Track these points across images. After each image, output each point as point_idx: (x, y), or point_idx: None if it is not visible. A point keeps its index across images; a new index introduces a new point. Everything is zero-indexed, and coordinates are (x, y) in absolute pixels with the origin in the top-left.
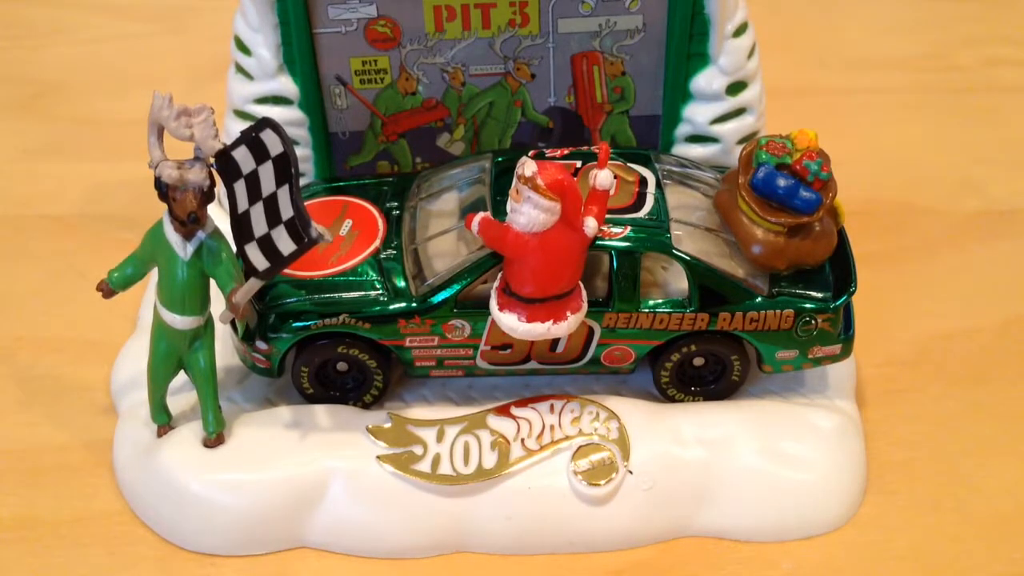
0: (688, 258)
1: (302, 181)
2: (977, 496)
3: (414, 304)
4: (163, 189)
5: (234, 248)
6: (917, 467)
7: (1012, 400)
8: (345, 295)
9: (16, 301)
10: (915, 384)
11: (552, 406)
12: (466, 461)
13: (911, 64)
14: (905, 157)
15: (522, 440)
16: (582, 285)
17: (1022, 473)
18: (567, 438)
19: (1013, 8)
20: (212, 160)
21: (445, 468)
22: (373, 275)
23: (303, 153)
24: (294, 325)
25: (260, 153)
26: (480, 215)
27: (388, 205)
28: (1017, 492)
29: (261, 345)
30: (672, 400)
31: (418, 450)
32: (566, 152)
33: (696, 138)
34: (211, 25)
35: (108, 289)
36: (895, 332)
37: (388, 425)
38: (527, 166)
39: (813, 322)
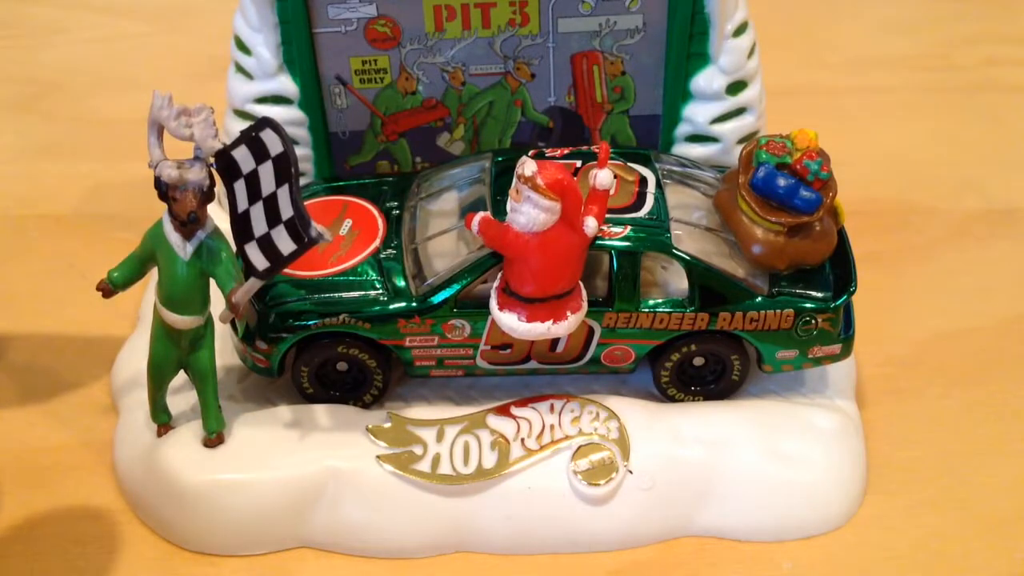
0: (688, 258)
1: (302, 181)
2: (977, 496)
3: (414, 304)
4: (163, 189)
5: (234, 248)
6: (917, 467)
7: (1012, 400)
8: (345, 295)
9: (16, 301)
10: (915, 384)
11: (552, 406)
12: (466, 461)
13: (911, 64)
14: (905, 157)
15: (522, 440)
16: (582, 285)
17: (1022, 473)
18: (567, 438)
19: (1013, 8)
20: (212, 160)
21: (445, 468)
22: (373, 275)
23: (303, 153)
24: (294, 325)
25: (260, 153)
26: (480, 215)
27: (388, 205)
28: (1017, 492)
29: (261, 345)
30: (672, 400)
31: (418, 450)
32: (566, 152)
33: (696, 138)
34: (210, 25)
35: (108, 289)
36: (895, 332)
37: (388, 425)
38: (527, 166)
39: (813, 322)
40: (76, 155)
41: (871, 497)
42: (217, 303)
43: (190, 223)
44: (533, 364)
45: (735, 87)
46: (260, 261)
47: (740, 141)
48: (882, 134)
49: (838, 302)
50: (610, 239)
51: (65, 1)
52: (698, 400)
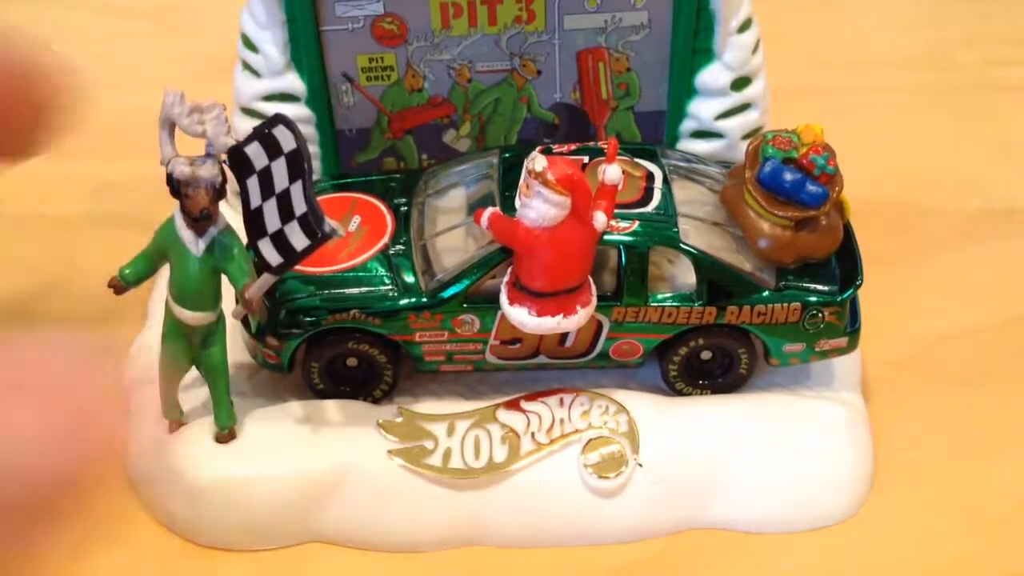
0: (696, 252)
1: None
2: (979, 495)
3: (424, 299)
4: (175, 185)
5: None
6: (919, 466)
7: (1013, 400)
8: (355, 291)
9: (21, 300)
10: (917, 383)
11: (562, 400)
12: (476, 455)
13: (912, 63)
14: (906, 157)
15: (532, 434)
16: (591, 279)
17: (1022, 473)
18: (577, 431)
19: (1013, 8)
20: (224, 156)
21: (456, 462)
22: (383, 271)
23: (310, 150)
24: (304, 321)
25: (273, 149)
26: (490, 210)
27: (396, 201)
28: (1018, 492)
29: (271, 341)
30: (680, 394)
31: (429, 444)
32: (573, 148)
33: (701, 133)
34: (212, 24)
35: (120, 285)
36: (897, 332)
37: (399, 420)
38: (537, 161)
39: (820, 315)
40: (76, 155)
41: (874, 495)
42: (229, 299)
43: (202, 220)
44: (542, 359)
45: (740, 83)
46: (273, 257)
47: (745, 137)
48: (882, 134)
49: (845, 295)
50: (618, 234)
51: (65, 1)
52: (706, 394)
